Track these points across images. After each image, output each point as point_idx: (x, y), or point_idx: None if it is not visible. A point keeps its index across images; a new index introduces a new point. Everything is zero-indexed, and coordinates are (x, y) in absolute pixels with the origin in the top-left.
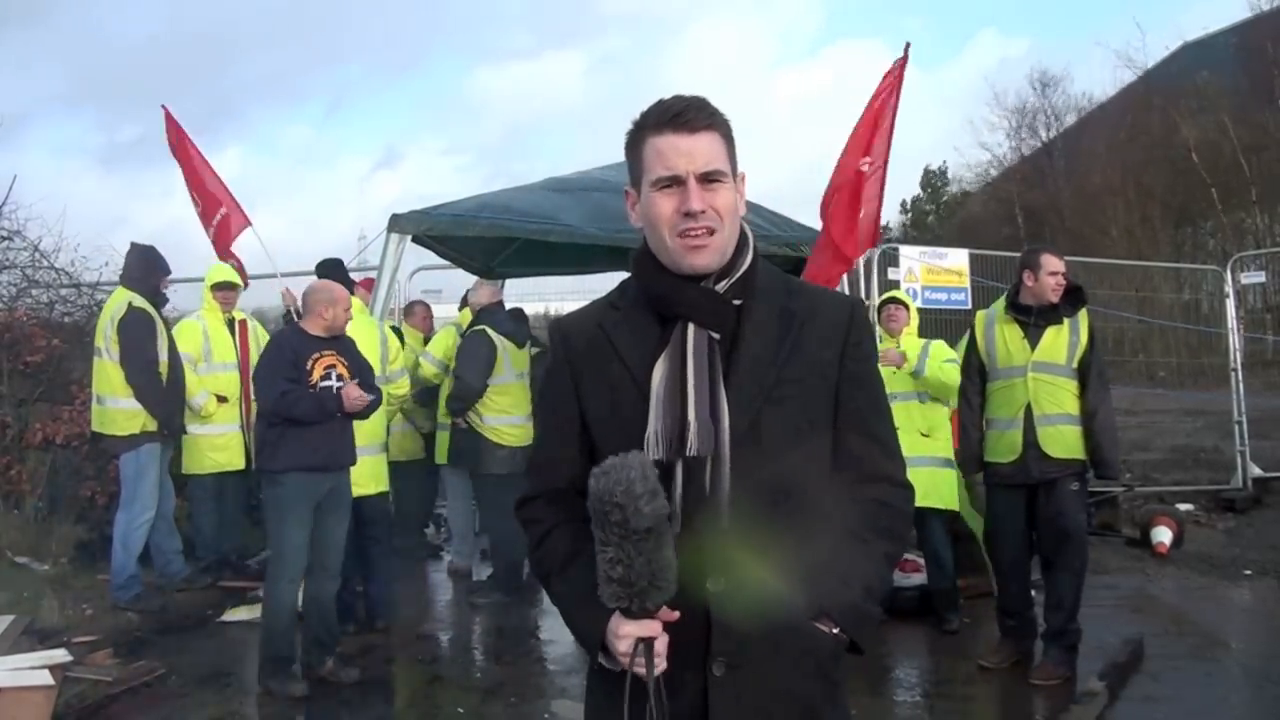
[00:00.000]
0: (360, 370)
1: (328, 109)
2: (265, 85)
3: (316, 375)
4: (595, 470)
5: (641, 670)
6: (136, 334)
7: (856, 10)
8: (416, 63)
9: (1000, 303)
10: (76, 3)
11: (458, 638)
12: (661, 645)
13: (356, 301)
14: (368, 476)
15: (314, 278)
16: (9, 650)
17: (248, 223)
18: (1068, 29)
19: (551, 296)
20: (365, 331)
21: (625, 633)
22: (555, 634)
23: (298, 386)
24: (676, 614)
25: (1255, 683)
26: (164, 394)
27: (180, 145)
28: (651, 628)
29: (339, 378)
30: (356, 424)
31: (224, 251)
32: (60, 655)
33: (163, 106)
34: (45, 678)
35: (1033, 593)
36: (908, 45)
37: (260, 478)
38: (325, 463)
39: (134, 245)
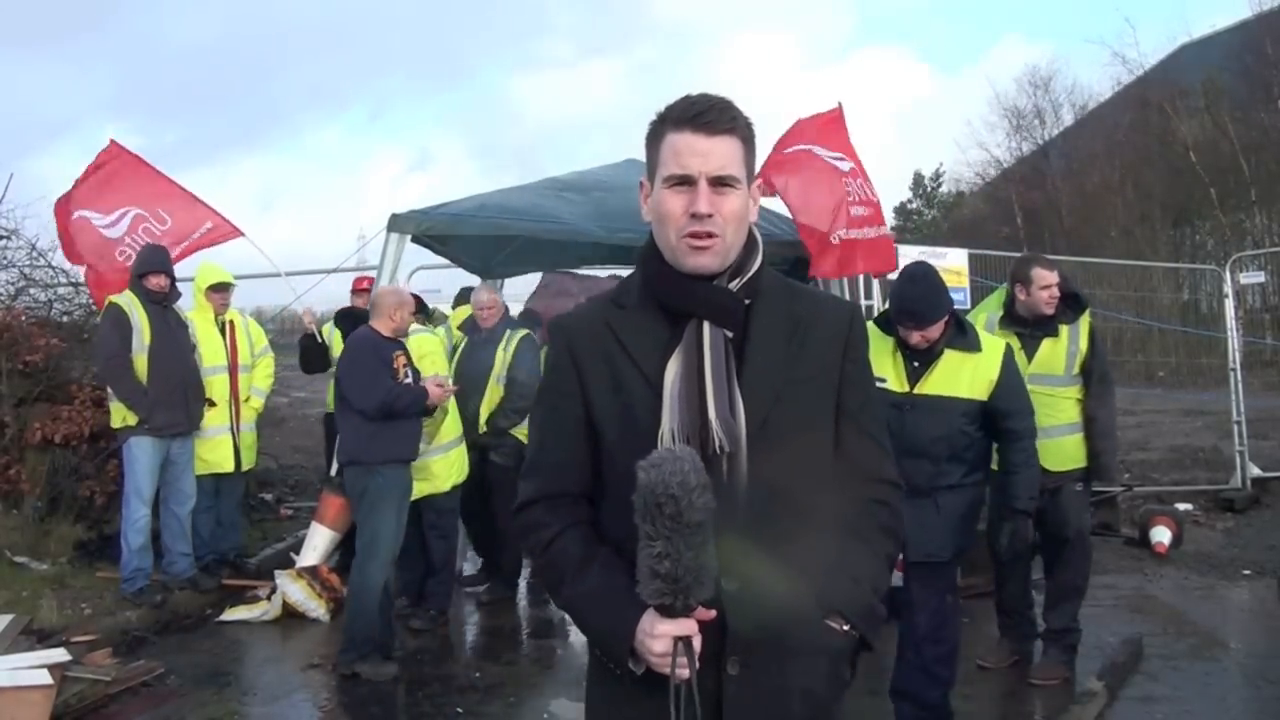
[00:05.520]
0: (415, 368)
1: (370, 115)
2: (309, 93)
3: (400, 373)
4: (643, 463)
5: (685, 671)
6: (102, 328)
7: (883, 19)
8: (457, 72)
9: (993, 305)
10: (130, 14)
11: (457, 636)
12: (698, 644)
13: None
14: (454, 470)
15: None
16: (8, 650)
17: (239, 233)
18: (1082, 32)
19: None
20: (433, 346)
21: (662, 632)
22: (554, 633)
23: (399, 385)
24: (713, 613)
25: (1254, 683)
26: (136, 386)
27: (141, 170)
28: (688, 626)
29: (410, 375)
30: (443, 420)
31: (187, 251)
32: (59, 655)
33: (110, 140)
34: (44, 677)
35: (1033, 593)
36: (839, 104)
37: (350, 470)
38: (413, 455)
39: (145, 245)
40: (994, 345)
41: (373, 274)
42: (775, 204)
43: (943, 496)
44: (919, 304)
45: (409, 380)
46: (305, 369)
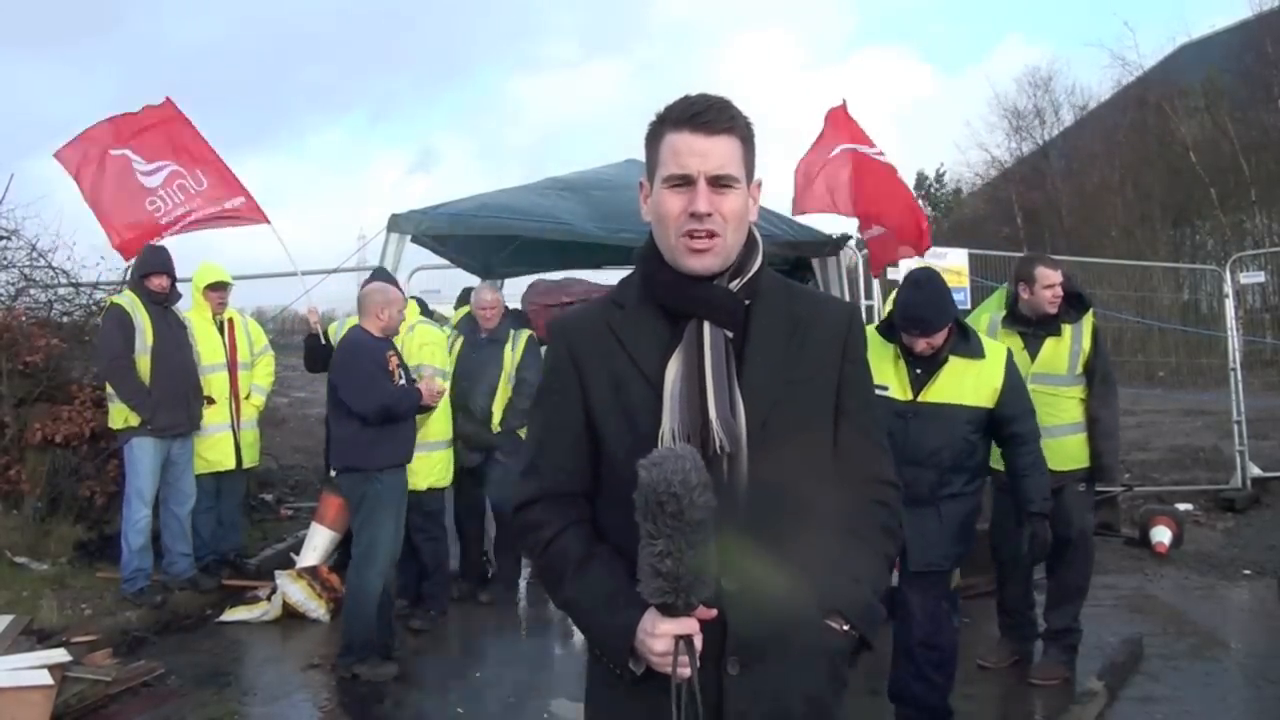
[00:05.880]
0: (406, 367)
1: (372, 116)
2: (312, 94)
3: (395, 375)
4: (644, 462)
5: (687, 670)
6: (105, 329)
7: (885, 19)
8: (460, 73)
9: (994, 305)
10: (133, 15)
11: (457, 636)
12: (699, 644)
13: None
14: (435, 470)
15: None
16: (8, 650)
17: (265, 219)
18: (1083, 33)
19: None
20: (435, 337)
21: (663, 631)
22: (554, 634)
23: (397, 387)
24: (714, 612)
25: (1254, 683)
26: (139, 388)
27: (190, 134)
28: (689, 625)
29: (402, 375)
30: (431, 419)
31: (211, 218)
32: (59, 655)
33: (167, 98)
34: (44, 677)
35: (1034, 593)
36: (844, 101)
37: (348, 476)
38: (409, 458)
39: (146, 245)
40: (996, 350)
41: (352, 276)
42: (776, 204)
43: (945, 505)
44: (925, 310)
45: (402, 381)
46: (310, 368)
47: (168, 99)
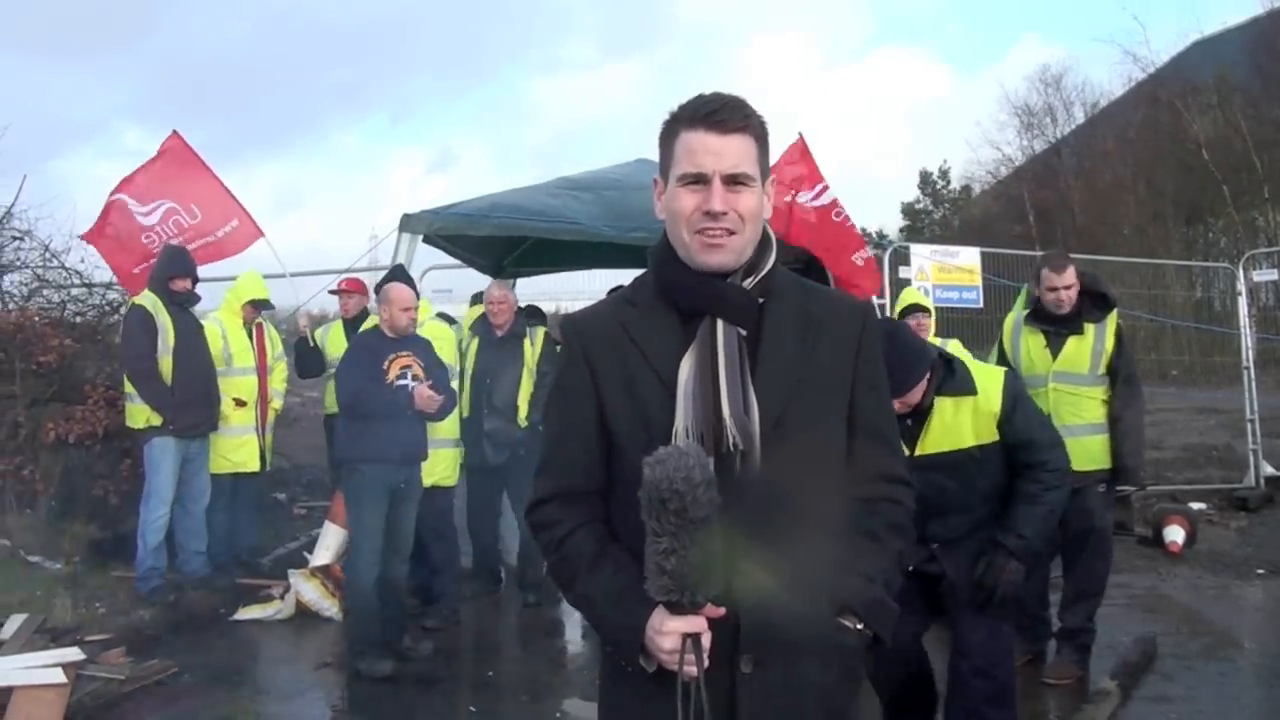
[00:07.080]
0: (433, 372)
1: (392, 118)
2: (333, 96)
3: (392, 374)
4: (649, 459)
5: (693, 668)
6: (130, 330)
7: (902, 19)
8: (481, 75)
9: (1020, 306)
10: (152, 20)
11: (470, 636)
12: (707, 642)
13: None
14: (438, 469)
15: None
16: (22, 649)
17: (260, 234)
18: (1099, 33)
19: (562, 296)
20: (442, 333)
21: (671, 629)
22: (567, 633)
23: (372, 384)
24: (723, 610)
25: (1267, 682)
26: (162, 389)
27: (192, 163)
28: (697, 623)
29: (413, 378)
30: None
31: (213, 257)
32: (73, 654)
33: (174, 131)
34: (58, 676)
35: (1049, 593)
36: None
37: (339, 467)
38: (399, 456)
39: (165, 246)
40: (990, 378)
41: (363, 276)
42: None
43: (982, 533)
44: (894, 372)
45: (404, 381)
46: (300, 374)
47: (174, 132)
